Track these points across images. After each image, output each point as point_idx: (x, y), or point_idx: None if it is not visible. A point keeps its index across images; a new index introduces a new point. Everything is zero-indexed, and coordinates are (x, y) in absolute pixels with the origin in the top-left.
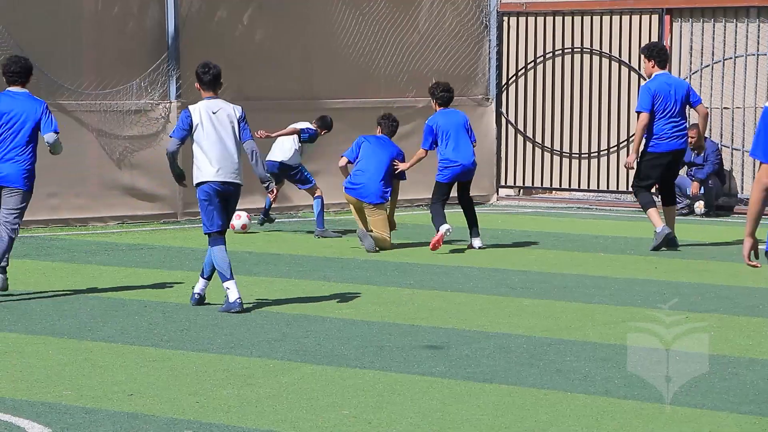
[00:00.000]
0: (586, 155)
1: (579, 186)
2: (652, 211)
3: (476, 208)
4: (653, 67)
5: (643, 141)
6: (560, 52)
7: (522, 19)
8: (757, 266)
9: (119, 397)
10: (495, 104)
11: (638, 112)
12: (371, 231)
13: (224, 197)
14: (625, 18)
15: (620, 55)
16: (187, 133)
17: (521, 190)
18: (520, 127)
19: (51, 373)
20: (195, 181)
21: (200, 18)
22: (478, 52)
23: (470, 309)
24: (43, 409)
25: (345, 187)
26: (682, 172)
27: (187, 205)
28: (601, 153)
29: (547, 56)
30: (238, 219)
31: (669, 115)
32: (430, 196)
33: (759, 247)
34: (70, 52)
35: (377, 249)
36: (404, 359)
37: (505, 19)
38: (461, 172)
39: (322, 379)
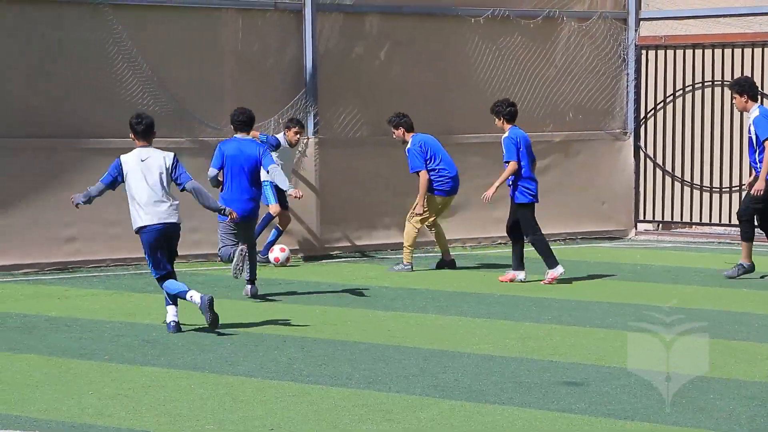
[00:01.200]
0: (727, 189)
1: (719, 220)
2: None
3: (614, 243)
4: (746, 102)
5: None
6: (700, 85)
7: (661, 53)
8: None
9: None
10: (633, 138)
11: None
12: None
13: (165, 237)
14: (767, 50)
15: (762, 88)
16: (112, 179)
17: (660, 225)
18: (659, 160)
19: (193, 407)
20: (134, 228)
21: (338, 54)
22: (616, 86)
23: (609, 345)
24: None
25: (439, 190)
26: None
27: (325, 241)
28: (742, 187)
29: (687, 89)
30: (282, 252)
31: None
32: (525, 227)
33: None
34: (211, 89)
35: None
36: (543, 395)
37: (644, 52)
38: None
39: (460, 415)
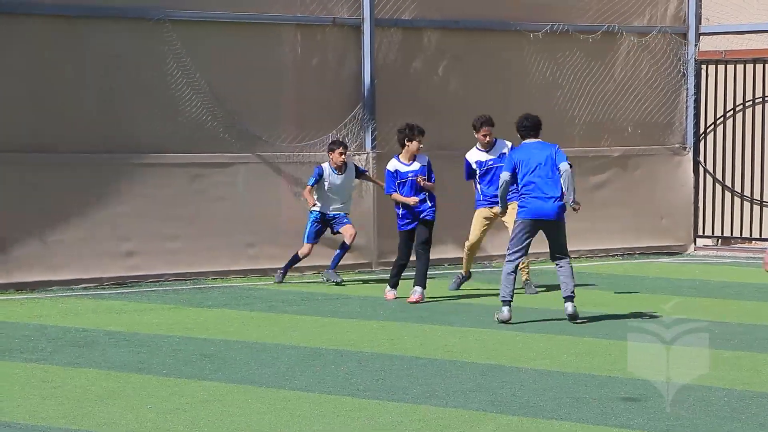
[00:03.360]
0: None
1: None
2: None
3: (673, 258)
4: None
5: None
6: (760, 100)
7: (721, 67)
8: None
9: None
10: (692, 153)
11: None
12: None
13: None
14: None
15: None
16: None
17: (719, 240)
18: (719, 176)
19: (251, 421)
20: None
21: (396, 69)
22: (675, 101)
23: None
24: None
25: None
26: None
27: (382, 255)
28: None
29: (747, 104)
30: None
31: None
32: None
33: None
34: (268, 104)
35: None
36: (601, 411)
37: (703, 67)
38: None
39: (517, 430)
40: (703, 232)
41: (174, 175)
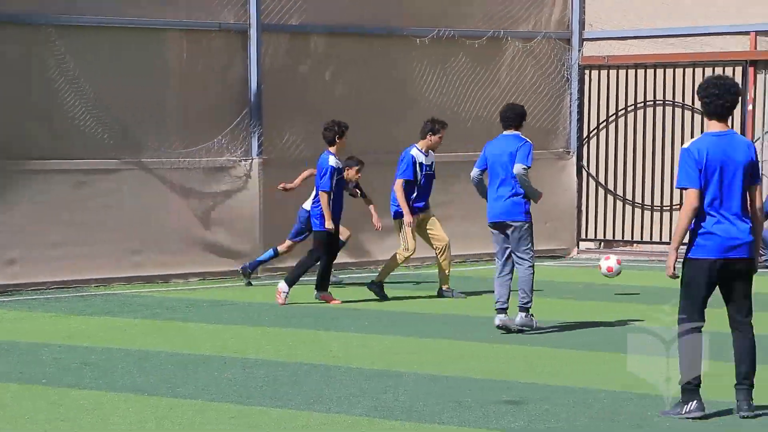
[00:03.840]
0: (668, 207)
1: (660, 239)
2: None
3: (556, 262)
4: None
5: None
6: (642, 104)
7: (603, 72)
8: (677, 276)
9: None
10: (576, 157)
11: None
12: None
13: None
14: (708, 70)
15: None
16: None
17: (602, 243)
18: (602, 179)
19: (133, 430)
20: None
21: (283, 74)
22: (559, 106)
23: (551, 363)
24: None
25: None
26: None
27: (269, 263)
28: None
29: (629, 109)
30: (607, 260)
31: None
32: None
33: None
34: (154, 110)
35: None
36: (483, 414)
37: (587, 72)
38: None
39: None
40: (586, 236)
41: (57, 182)
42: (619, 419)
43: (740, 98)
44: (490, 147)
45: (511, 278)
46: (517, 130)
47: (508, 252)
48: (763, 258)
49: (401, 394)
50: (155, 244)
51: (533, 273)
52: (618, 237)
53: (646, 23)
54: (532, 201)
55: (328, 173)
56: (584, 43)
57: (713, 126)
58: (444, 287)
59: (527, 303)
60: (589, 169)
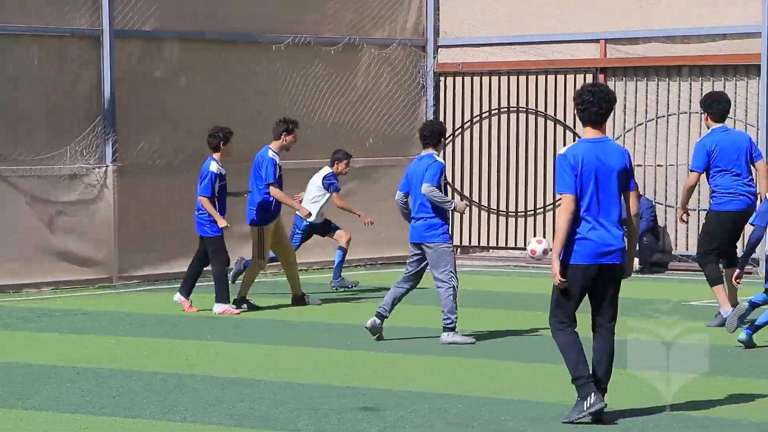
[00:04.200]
0: (523, 213)
1: (516, 244)
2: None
3: None
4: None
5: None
6: (497, 111)
7: (458, 79)
8: (567, 284)
9: None
10: None
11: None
12: None
13: None
14: (560, 77)
15: (555, 114)
16: None
17: (459, 249)
18: (458, 186)
19: None
20: None
21: (137, 80)
22: (416, 112)
23: (407, 369)
24: None
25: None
26: None
27: (123, 269)
28: (537, 211)
29: (484, 115)
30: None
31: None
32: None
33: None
34: (5, 117)
35: None
36: (339, 421)
37: (442, 79)
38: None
39: None
40: None
41: None
42: (473, 425)
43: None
44: (409, 168)
45: (404, 290)
46: (435, 148)
47: (413, 271)
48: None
49: (257, 402)
50: (7, 253)
51: (453, 294)
52: (474, 242)
53: (499, 31)
54: (456, 213)
55: (209, 179)
56: (439, 50)
57: (588, 132)
58: (300, 294)
59: (450, 324)
60: (445, 175)
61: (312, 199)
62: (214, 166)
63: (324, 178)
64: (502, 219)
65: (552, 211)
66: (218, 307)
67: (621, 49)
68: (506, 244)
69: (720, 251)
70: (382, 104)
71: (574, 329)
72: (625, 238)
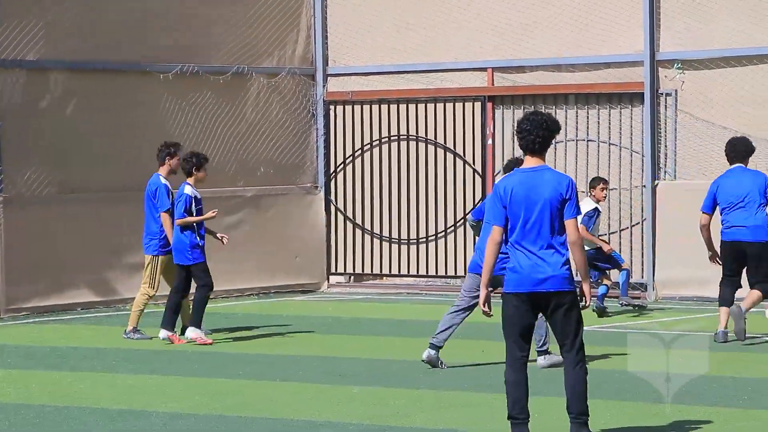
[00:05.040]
0: (415, 241)
1: (408, 272)
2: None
3: (307, 296)
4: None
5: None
6: (387, 139)
7: (348, 108)
8: (491, 314)
9: None
10: (324, 192)
11: None
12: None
13: None
14: (449, 105)
15: (445, 142)
16: None
17: (352, 277)
18: (350, 214)
19: None
20: None
21: (21, 111)
22: (306, 141)
23: (300, 398)
24: None
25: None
26: None
27: (11, 301)
28: (429, 238)
29: (374, 144)
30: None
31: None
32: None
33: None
34: None
35: None
36: None
37: (332, 107)
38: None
39: None
40: (336, 270)
41: None
42: None
43: (554, 133)
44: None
45: (458, 319)
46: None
47: (471, 302)
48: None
49: None
50: None
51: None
52: (367, 270)
53: (387, 59)
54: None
55: (183, 201)
56: (328, 78)
57: (527, 161)
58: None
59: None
60: (337, 203)
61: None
62: (188, 189)
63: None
64: (395, 246)
65: (444, 238)
66: (192, 333)
67: (508, 77)
68: (399, 271)
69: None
70: (272, 133)
71: (522, 363)
72: (568, 266)
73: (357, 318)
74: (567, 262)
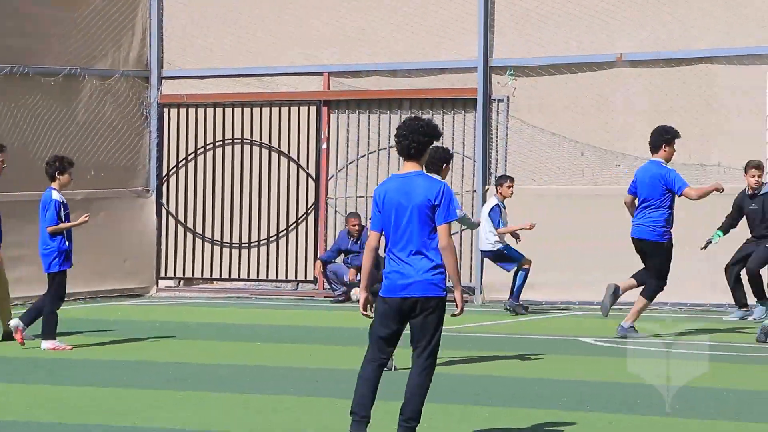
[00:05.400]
0: (246, 245)
1: (239, 275)
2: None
3: (136, 301)
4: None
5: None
6: (221, 143)
7: (183, 111)
8: (371, 316)
9: None
10: (155, 196)
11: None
12: None
13: None
14: (284, 109)
15: (279, 146)
16: None
17: (181, 281)
18: (181, 218)
19: None
20: None
21: None
22: (139, 144)
23: (125, 404)
24: None
25: None
26: (339, 259)
27: None
28: (261, 242)
29: (208, 147)
30: None
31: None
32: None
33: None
34: None
35: None
36: None
37: (166, 110)
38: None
39: None
40: (166, 274)
41: None
42: None
43: (434, 138)
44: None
45: None
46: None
47: None
48: (336, 293)
49: None
50: None
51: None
52: (198, 274)
53: (223, 63)
54: None
55: (53, 207)
56: (163, 81)
57: (404, 167)
58: (9, 330)
59: None
60: (168, 207)
61: None
62: (56, 195)
63: None
64: (226, 250)
65: (276, 242)
66: (48, 344)
67: (344, 82)
68: (229, 275)
69: None
70: (104, 136)
71: (378, 365)
72: (438, 271)
73: (185, 322)
74: (437, 267)
